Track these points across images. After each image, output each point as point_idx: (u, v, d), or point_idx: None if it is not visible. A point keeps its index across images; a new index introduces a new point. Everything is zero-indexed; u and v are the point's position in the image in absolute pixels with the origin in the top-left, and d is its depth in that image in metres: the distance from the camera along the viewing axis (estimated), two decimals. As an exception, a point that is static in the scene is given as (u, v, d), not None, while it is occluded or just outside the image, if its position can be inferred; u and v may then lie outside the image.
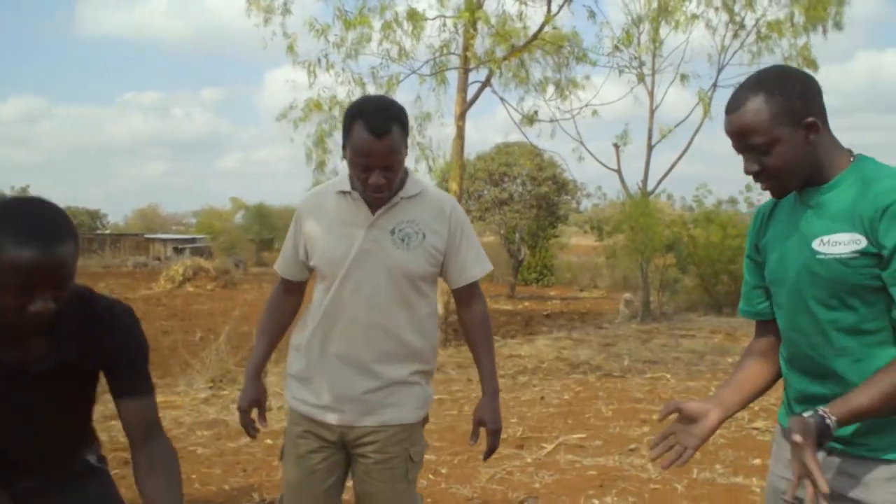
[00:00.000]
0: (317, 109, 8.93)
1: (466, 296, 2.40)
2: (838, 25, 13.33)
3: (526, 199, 21.20)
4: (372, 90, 10.13)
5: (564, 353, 9.85)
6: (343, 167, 2.34)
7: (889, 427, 1.60)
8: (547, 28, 8.62)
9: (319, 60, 8.48)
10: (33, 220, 1.53)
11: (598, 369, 8.62)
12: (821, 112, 1.66)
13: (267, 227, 42.24)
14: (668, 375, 7.98)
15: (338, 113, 9.96)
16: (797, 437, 1.49)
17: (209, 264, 21.36)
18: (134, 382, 1.86)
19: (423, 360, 2.35)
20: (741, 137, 1.66)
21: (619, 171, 15.58)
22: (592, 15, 9.46)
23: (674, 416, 1.80)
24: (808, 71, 13.85)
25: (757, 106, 1.62)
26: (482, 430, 2.42)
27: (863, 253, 1.57)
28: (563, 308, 18.24)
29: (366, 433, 2.29)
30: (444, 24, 9.14)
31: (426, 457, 4.81)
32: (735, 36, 14.96)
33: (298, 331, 2.43)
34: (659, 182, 15.48)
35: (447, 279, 2.37)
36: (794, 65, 14.81)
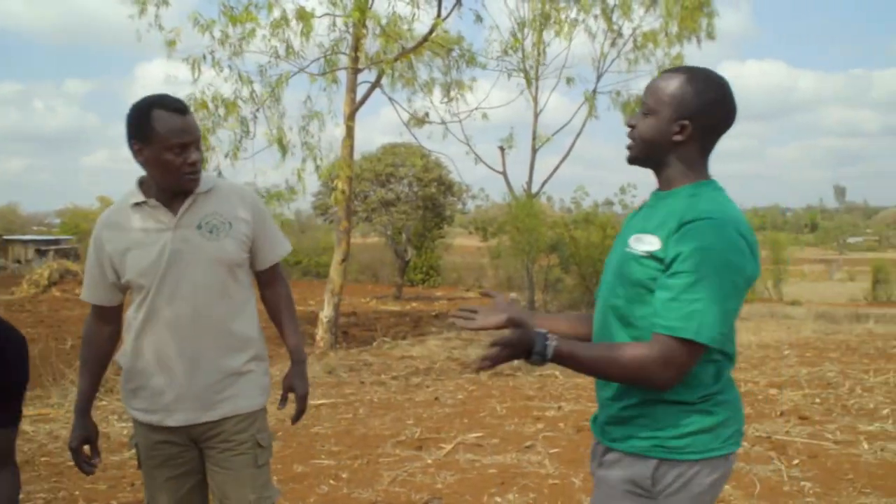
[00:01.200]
0: (202, 109, 8.59)
1: (272, 277, 2.54)
2: (710, 36, 14.09)
3: (412, 201, 21.27)
4: (258, 88, 9.90)
5: (455, 353, 9.93)
6: (129, 183, 2.39)
7: (623, 423, 1.80)
8: (438, 31, 8.66)
9: (205, 56, 8.16)
10: None
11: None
12: (705, 128, 1.79)
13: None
14: (557, 373, 8.18)
15: (223, 111, 9.66)
16: (514, 321, 1.74)
17: (77, 267, 20.17)
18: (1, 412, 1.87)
19: (251, 345, 2.41)
20: (645, 94, 1.85)
21: (504, 174, 15.90)
22: (479, 19, 9.60)
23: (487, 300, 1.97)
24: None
25: (672, 80, 1.79)
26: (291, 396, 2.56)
27: (653, 256, 1.73)
28: (451, 308, 18.39)
29: (210, 427, 2.34)
30: (335, 24, 9.03)
31: (325, 462, 4.79)
32: (613, 44, 15.58)
33: (121, 349, 2.42)
34: (543, 184, 15.91)
35: (254, 262, 2.46)
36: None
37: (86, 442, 2.43)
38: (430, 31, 8.76)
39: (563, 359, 1.70)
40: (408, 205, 21.18)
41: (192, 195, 2.31)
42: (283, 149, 9.87)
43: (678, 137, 1.78)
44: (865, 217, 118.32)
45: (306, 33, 7.92)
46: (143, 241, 2.30)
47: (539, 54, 14.92)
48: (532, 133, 15.88)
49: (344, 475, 4.56)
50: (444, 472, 4.61)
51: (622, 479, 1.78)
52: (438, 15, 8.72)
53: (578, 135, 15.66)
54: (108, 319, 2.46)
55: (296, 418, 2.59)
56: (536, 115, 15.84)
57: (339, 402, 6.91)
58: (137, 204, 2.32)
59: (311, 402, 6.79)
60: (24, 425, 5.99)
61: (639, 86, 18.50)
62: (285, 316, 2.57)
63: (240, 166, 10.53)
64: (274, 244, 2.49)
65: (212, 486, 2.40)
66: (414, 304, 19.37)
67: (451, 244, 32.63)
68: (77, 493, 4.26)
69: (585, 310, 16.55)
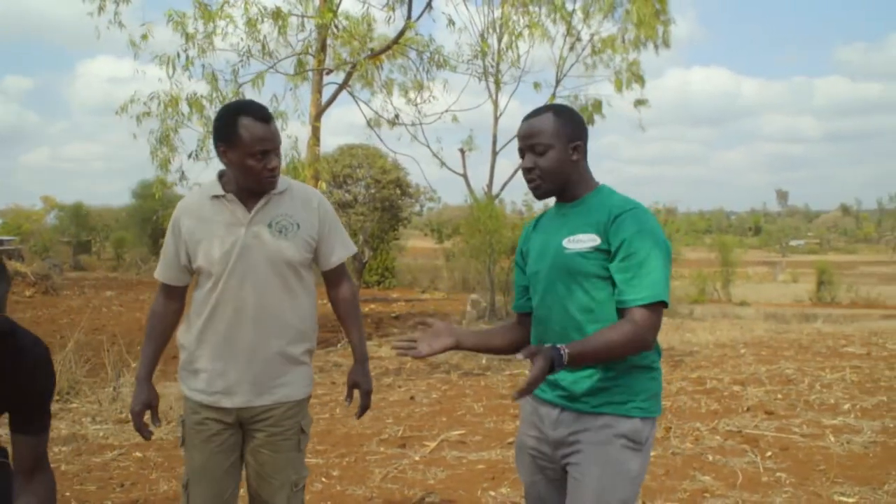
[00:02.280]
0: (171, 107, 8.48)
1: (336, 276, 2.68)
2: (666, 43, 14.42)
3: (370, 202, 21.23)
4: (223, 86, 9.78)
5: (423, 353, 9.98)
6: (209, 175, 2.57)
7: (605, 391, 2.11)
8: (409, 33, 8.72)
9: (179, 54, 8.06)
10: None
11: (458, 368, 8.83)
12: (585, 144, 2.21)
13: (85, 229, 39.42)
14: (527, 371, 8.31)
15: (187, 109, 9.53)
16: (532, 351, 1.93)
17: (26, 268, 19.60)
18: (33, 422, 1.96)
19: (307, 339, 2.58)
20: (527, 138, 2.19)
21: (465, 176, 16.00)
22: (452, 23, 9.68)
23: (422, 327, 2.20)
24: (635, 86, 14.84)
25: (547, 119, 2.17)
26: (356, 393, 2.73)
27: (597, 249, 2.09)
28: (410, 309, 18.43)
29: (261, 411, 2.49)
30: (304, 25, 9.01)
31: (314, 461, 4.81)
32: (571, 49, 15.82)
33: (184, 330, 2.58)
34: (503, 186, 16.04)
35: (318, 263, 2.62)
36: (623, 78, 15.93)
37: (147, 406, 2.58)
38: (401, 34, 8.81)
39: (574, 360, 1.96)
40: (366, 206, 21.13)
41: (266, 195, 2.48)
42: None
43: (575, 157, 2.18)
44: (807, 220, 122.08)
45: (284, 32, 7.90)
46: (218, 233, 2.47)
47: (499, 57, 15.05)
48: (493, 136, 16.03)
49: (335, 473, 4.60)
50: (433, 468, 4.69)
51: (617, 435, 2.10)
52: (409, 17, 8.77)
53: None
54: (175, 297, 2.64)
55: (360, 413, 2.73)
56: (497, 118, 15.99)
57: (313, 402, 6.91)
58: (216, 196, 2.49)
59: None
60: (-5, 429, 5.87)
61: (597, 90, 18.90)
62: (349, 315, 2.71)
63: (202, 167, 10.43)
64: (338, 246, 2.63)
65: (253, 464, 2.54)
66: (372, 306, 19.33)
67: (405, 246, 32.63)
68: (67, 493, 4.20)
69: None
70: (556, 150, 2.16)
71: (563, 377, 2.17)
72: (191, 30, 7.88)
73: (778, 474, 4.52)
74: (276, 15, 7.89)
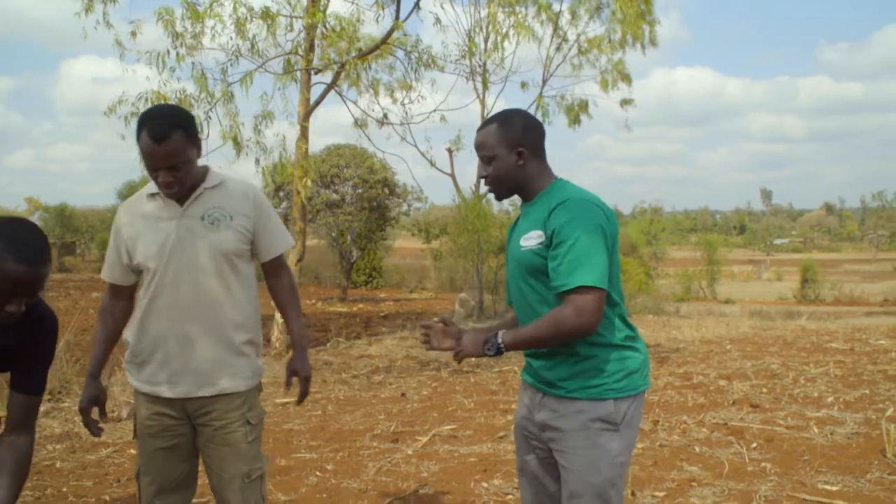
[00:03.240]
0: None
1: (275, 268, 2.72)
2: (653, 42, 14.55)
3: (357, 202, 21.25)
4: (211, 84, 9.79)
5: (413, 351, 10.06)
6: None
7: (578, 375, 2.22)
8: (397, 33, 8.78)
9: (168, 52, 8.08)
10: (28, 242, 1.90)
11: (448, 366, 8.89)
12: (534, 146, 2.31)
13: (70, 230, 39.16)
14: (516, 369, 8.41)
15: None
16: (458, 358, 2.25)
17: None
18: (34, 381, 2.19)
19: (246, 330, 2.59)
20: (478, 149, 2.34)
21: (452, 175, 16.09)
22: (439, 22, 9.74)
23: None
24: (622, 84, 14.93)
25: (490, 130, 2.30)
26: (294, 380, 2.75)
27: (541, 244, 2.20)
28: (398, 309, 18.48)
29: (205, 403, 2.52)
30: (292, 25, 9.04)
31: (307, 456, 4.89)
32: (558, 49, 15.93)
33: (129, 325, 2.64)
34: (491, 186, 16.12)
35: (258, 254, 2.66)
36: (609, 78, 16.06)
37: (94, 403, 2.65)
38: (389, 33, 8.87)
39: (509, 345, 2.18)
40: (353, 206, 21.15)
41: (198, 189, 2.53)
42: (238, 147, 9.82)
43: (521, 162, 2.29)
44: (791, 219, 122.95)
45: (273, 32, 7.95)
46: (153, 229, 2.53)
47: (486, 57, 15.15)
48: (480, 135, 16.10)
49: (329, 467, 4.66)
50: (426, 461, 4.76)
51: (592, 419, 2.20)
52: (397, 17, 8.83)
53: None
54: (122, 296, 2.69)
55: (300, 399, 2.77)
56: (484, 118, 16.07)
57: (306, 399, 6.96)
58: (152, 195, 2.56)
59: (278, 400, 6.86)
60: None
61: (583, 90, 19.00)
62: (288, 305, 2.76)
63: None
64: (275, 238, 2.67)
65: (206, 461, 2.60)
66: (361, 306, 19.37)
67: (391, 246, 32.66)
68: (65, 489, 4.25)
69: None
70: (500, 158, 2.29)
71: (536, 363, 2.32)
72: (179, 28, 7.90)
73: (763, 464, 4.62)
74: (265, 15, 7.93)
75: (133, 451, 5.12)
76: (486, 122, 2.34)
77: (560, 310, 2.12)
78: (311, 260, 29.40)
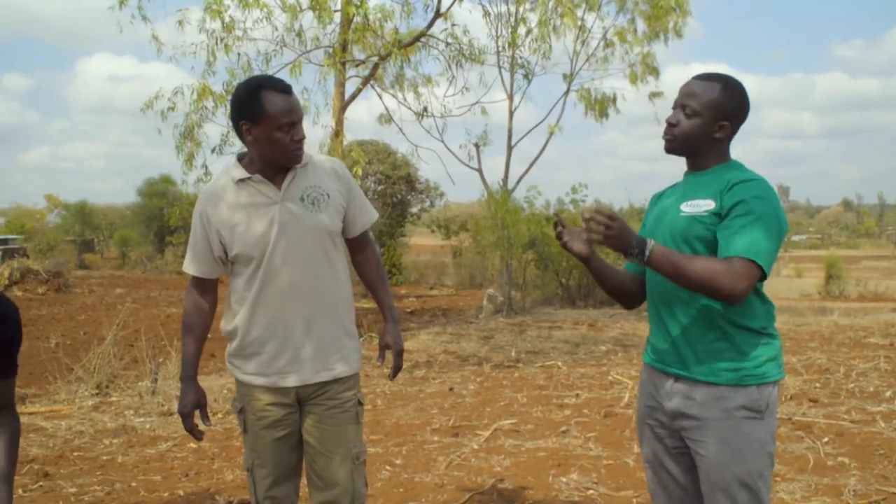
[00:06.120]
0: (204, 96, 8.47)
1: (361, 243, 2.67)
2: (678, 33, 14.39)
3: (379, 199, 21.22)
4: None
5: (450, 346, 10.00)
6: (227, 159, 2.51)
7: (713, 357, 2.13)
8: (445, 24, 8.71)
9: (217, 42, 8.04)
10: None
11: (488, 360, 8.82)
12: (736, 126, 2.22)
13: (89, 228, 39.32)
14: (560, 363, 8.32)
15: (212, 104, 9.52)
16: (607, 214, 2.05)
17: (38, 266, 19.52)
18: (9, 367, 2.23)
19: (352, 308, 2.59)
20: (685, 96, 2.20)
21: (479, 170, 16.00)
22: (487, 14, 9.64)
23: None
24: (650, 78, 14.73)
25: (711, 86, 2.17)
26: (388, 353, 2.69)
27: (711, 213, 2.11)
28: (422, 305, 18.42)
29: (319, 387, 2.48)
30: (333, 17, 8.97)
31: (373, 450, 4.80)
32: (584, 43, 15.78)
33: (227, 319, 2.55)
34: (518, 181, 16.05)
35: (346, 230, 2.59)
36: (637, 71, 15.89)
37: (196, 406, 2.56)
38: (430, 25, 8.80)
39: (657, 256, 2.03)
40: (375, 203, 21.12)
41: (293, 170, 2.45)
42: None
43: (719, 135, 2.19)
44: (808, 216, 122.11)
45: (323, 22, 7.90)
46: (252, 215, 2.42)
47: (514, 51, 15.02)
48: (508, 130, 16.03)
49: (397, 461, 4.59)
50: (494, 455, 4.68)
51: (735, 407, 2.11)
52: (438, 9, 8.75)
53: (551, 134, 15.81)
54: (209, 290, 2.59)
55: (393, 373, 2.68)
56: (512, 112, 15.98)
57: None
58: (242, 180, 2.44)
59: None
60: (40, 421, 5.86)
61: (609, 84, 18.84)
62: (378, 279, 2.71)
63: (226, 162, 10.41)
64: (363, 212, 2.62)
65: (312, 442, 2.51)
66: (385, 302, 19.33)
67: (408, 243, 32.60)
68: (133, 484, 4.20)
69: (559, 304, 16.82)
70: (701, 118, 2.17)
71: (669, 338, 2.21)
72: (227, 19, 7.87)
73: (840, 459, 4.52)
74: (315, 5, 7.86)
75: (193, 446, 5.07)
76: (711, 76, 2.22)
77: (722, 263, 2.01)
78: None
